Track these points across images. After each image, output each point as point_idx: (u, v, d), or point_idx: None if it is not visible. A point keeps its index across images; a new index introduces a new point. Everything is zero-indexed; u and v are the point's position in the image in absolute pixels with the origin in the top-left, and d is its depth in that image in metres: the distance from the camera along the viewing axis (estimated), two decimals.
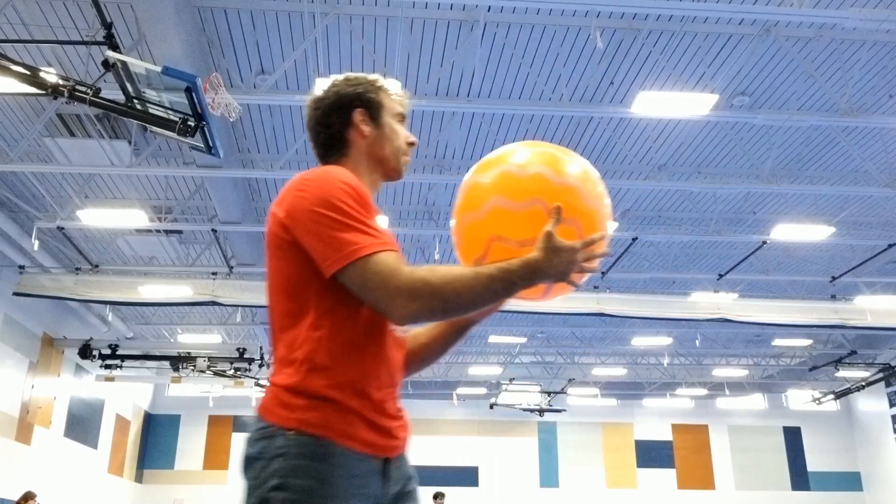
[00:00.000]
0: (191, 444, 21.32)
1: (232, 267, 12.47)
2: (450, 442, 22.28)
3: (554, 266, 1.60)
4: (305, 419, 1.53)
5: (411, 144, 1.90)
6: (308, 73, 8.39)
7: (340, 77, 1.88)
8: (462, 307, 1.59)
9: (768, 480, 22.70)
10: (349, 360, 1.59)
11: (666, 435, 23.24)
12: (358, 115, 1.81)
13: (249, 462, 1.55)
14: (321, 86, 1.88)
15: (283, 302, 1.64)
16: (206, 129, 6.03)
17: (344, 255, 1.53)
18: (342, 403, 1.56)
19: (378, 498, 1.59)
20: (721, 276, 13.71)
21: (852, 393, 20.46)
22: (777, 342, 18.90)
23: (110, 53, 5.91)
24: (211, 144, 6.24)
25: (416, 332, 1.95)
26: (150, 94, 6.17)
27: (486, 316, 1.82)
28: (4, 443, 12.54)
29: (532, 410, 21.11)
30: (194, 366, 15.02)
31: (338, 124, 1.82)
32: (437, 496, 12.44)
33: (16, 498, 10.72)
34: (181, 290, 12.42)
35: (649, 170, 10.79)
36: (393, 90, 1.90)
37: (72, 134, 9.46)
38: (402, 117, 1.90)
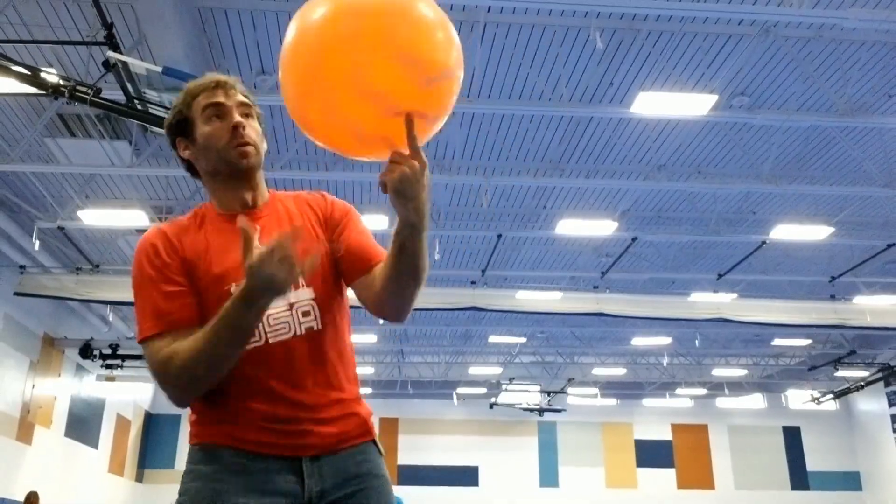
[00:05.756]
0: None
1: None
2: (450, 442, 22.30)
3: (260, 282, 1.48)
4: (197, 433, 1.73)
5: (235, 128, 1.76)
6: None
7: None
8: (206, 370, 1.60)
9: (768, 480, 22.72)
10: (230, 379, 1.66)
11: (665, 435, 23.26)
12: (180, 145, 1.86)
13: None
14: None
15: None
16: None
17: (138, 336, 1.72)
18: (227, 414, 1.68)
19: (298, 496, 1.64)
20: (720, 276, 13.73)
21: (852, 393, 20.48)
22: (776, 342, 18.91)
23: (111, 54, 5.94)
24: None
25: (376, 277, 1.76)
26: (151, 94, 6.21)
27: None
28: (5, 442, 12.54)
29: (532, 410, 21.15)
30: None
31: (181, 159, 1.88)
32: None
33: (16, 498, 10.72)
34: None
35: (649, 170, 10.80)
36: (196, 87, 1.82)
37: (72, 134, 9.46)
38: (212, 108, 1.78)
